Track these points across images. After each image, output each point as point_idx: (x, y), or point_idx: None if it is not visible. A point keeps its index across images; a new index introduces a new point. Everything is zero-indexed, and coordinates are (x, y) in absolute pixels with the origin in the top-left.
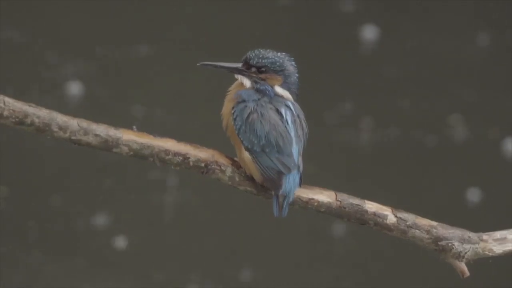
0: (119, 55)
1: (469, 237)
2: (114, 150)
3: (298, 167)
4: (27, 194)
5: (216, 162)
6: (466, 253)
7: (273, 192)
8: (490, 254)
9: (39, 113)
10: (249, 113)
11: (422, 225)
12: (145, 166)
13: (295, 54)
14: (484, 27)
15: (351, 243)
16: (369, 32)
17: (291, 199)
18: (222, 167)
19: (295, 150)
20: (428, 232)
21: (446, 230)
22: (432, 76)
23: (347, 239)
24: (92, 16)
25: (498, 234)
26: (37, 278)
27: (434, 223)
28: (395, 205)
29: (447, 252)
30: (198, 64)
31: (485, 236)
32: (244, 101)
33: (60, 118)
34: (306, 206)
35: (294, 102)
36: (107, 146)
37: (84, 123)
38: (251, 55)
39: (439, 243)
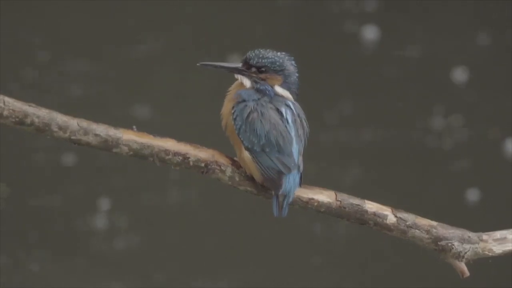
0: (119, 55)
1: (469, 237)
2: (114, 150)
3: (298, 167)
4: (27, 194)
5: (216, 162)
6: (466, 253)
7: (273, 192)
8: (490, 254)
9: (39, 113)
10: (249, 113)
11: (422, 225)
12: (145, 166)
13: (295, 54)
14: (484, 27)
15: (351, 243)
16: (369, 32)
17: (291, 199)
18: (222, 167)
19: (295, 149)
20: (428, 232)
21: (446, 230)
22: (432, 76)
23: (347, 239)
24: (92, 16)
25: (498, 234)
26: (37, 278)
27: (434, 223)
28: (395, 205)
29: (447, 252)
30: (198, 64)
31: (485, 236)
32: (244, 100)
33: (60, 118)
34: (306, 206)
35: (295, 102)
36: (107, 146)
37: (84, 123)
38: (251, 55)
39: (439, 243)
